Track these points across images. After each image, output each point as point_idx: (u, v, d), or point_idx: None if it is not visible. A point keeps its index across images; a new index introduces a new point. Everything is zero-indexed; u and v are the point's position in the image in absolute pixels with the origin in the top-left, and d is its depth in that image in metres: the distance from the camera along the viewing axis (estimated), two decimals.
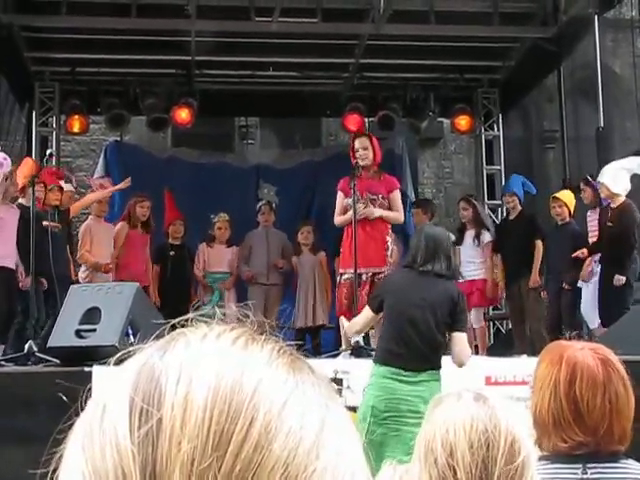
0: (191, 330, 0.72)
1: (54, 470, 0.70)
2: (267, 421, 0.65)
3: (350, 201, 7.99)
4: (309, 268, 10.48)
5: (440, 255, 5.73)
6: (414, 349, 5.61)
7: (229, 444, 0.64)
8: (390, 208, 8.22)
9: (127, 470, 0.64)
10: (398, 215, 8.33)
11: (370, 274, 7.96)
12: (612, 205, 9.05)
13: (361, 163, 8.13)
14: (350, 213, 7.97)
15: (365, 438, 5.31)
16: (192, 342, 0.71)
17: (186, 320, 0.75)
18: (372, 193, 8.09)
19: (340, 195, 8.28)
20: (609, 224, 9.00)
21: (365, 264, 7.93)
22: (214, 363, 0.68)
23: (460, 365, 5.69)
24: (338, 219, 8.31)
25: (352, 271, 7.89)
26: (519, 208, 10.17)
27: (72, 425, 0.71)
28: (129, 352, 0.72)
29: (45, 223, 8.56)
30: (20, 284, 8.47)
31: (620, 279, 8.76)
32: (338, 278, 8.33)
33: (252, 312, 0.78)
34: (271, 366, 0.69)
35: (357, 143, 8.32)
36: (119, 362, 0.73)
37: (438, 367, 5.70)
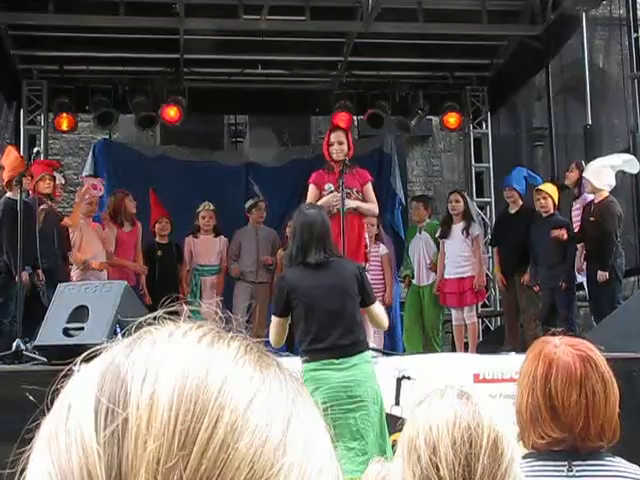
0: (157, 328, 0.72)
1: (22, 470, 0.70)
2: (233, 419, 0.65)
3: (326, 194, 7.95)
4: None
5: (313, 243, 5.73)
6: (339, 337, 5.61)
7: (195, 443, 0.64)
8: (365, 201, 8.17)
9: (93, 470, 0.64)
10: (372, 206, 8.22)
11: None
12: (595, 200, 9.11)
13: (335, 157, 8.04)
14: (323, 200, 7.90)
15: None
16: (158, 340, 0.70)
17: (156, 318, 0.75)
18: (346, 187, 8.02)
19: (312, 188, 8.16)
20: (591, 219, 9.06)
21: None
22: (180, 362, 0.67)
23: (383, 327, 6.03)
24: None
25: None
26: (520, 202, 10.17)
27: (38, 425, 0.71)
28: (96, 350, 0.72)
29: None
30: (17, 279, 8.37)
31: (603, 274, 8.80)
32: None
33: (224, 309, 0.78)
34: (237, 364, 0.69)
35: (333, 137, 8.22)
36: (87, 360, 0.73)
37: (366, 349, 5.78)
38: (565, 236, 9.25)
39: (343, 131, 8.57)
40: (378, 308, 5.98)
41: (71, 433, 0.66)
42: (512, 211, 10.29)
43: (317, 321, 5.65)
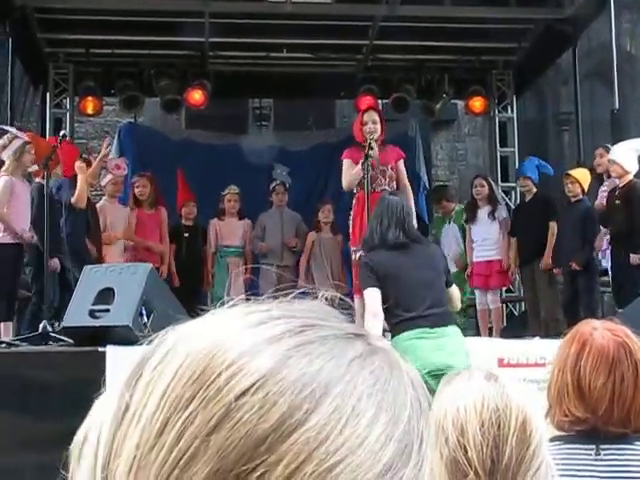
0: (212, 312, 0.71)
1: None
2: (212, 413, 0.63)
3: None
4: (329, 247, 10.46)
5: (392, 223, 5.81)
6: (430, 306, 5.63)
7: (169, 433, 0.63)
8: (397, 177, 8.26)
9: (98, 454, 0.66)
10: (409, 193, 8.26)
11: None
12: (619, 184, 9.06)
13: (370, 137, 8.07)
14: (359, 167, 7.94)
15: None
16: (198, 322, 0.70)
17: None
18: (382, 164, 8.12)
19: (347, 162, 8.21)
20: (617, 202, 9.00)
21: None
22: (198, 342, 0.66)
23: (457, 307, 6.06)
24: (347, 178, 8.18)
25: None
26: (534, 190, 10.16)
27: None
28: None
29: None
30: (51, 266, 8.40)
31: (636, 257, 8.73)
32: (353, 256, 8.32)
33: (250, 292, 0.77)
34: (264, 350, 0.65)
35: (366, 116, 8.32)
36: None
37: (456, 324, 5.83)
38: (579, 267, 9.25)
39: (376, 111, 8.67)
40: (457, 290, 6.09)
41: (100, 411, 0.69)
42: (526, 199, 10.32)
43: (407, 291, 5.64)
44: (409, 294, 5.66)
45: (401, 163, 8.39)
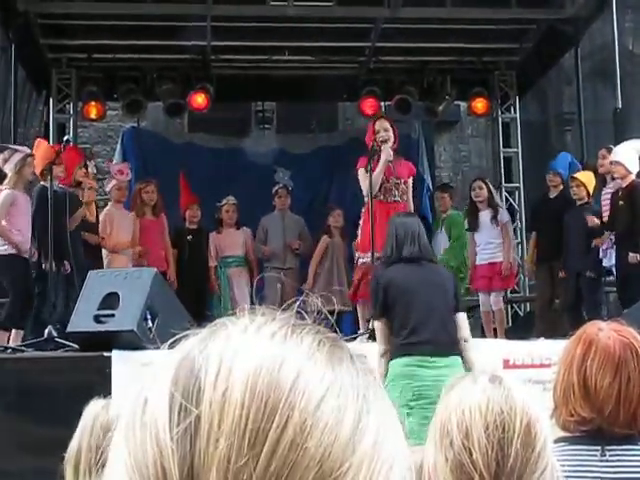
0: (232, 321, 0.73)
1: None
2: (302, 419, 0.66)
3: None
4: (338, 251, 10.48)
5: (408, 238, 5.82)
6: (435, 331, 5.59)
7: (265, 443, 0.65)
8: (407, 192, 8.32)
9: (167, 466, 0.65)
10: (410, 202, 8.41)
11: None
12: (622, 185, 9.06)
13: (381, 142, 8.14)
14: (380, 168, 8.03)
15: None
16: (232, 335, 0.71)
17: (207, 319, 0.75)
18: (396, 177, 8.16)
19: (362, 170, 8.16)
20: (620, 202, 9.00)
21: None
22: (252, 359, 0.68)
23: (467, 336, 5.78)
24: (365, 184, 8.10)
25: (371, 255, 7.90)
26: (561, 187, 10.15)
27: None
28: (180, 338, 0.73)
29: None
30: (43, 266, 8.47)
31: (634, 256, 8.74)
32: (356, 261, 8.34)
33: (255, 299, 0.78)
34: (309, 360, 0.69)
35: (378, 125, 8.40)
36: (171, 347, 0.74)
37: (459, 353, 5.70)
38: (596, 221, 9.21)
39: (387, 120, 8.76)
40: (465, 318, 5.92)
41: (146, 427, 0.68)
42: (552, 196, 10.27)
43: (414, 313, 5.63)
44: (415, 316, 5.65)
45: (411, 180, 8.49)
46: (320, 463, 0.65)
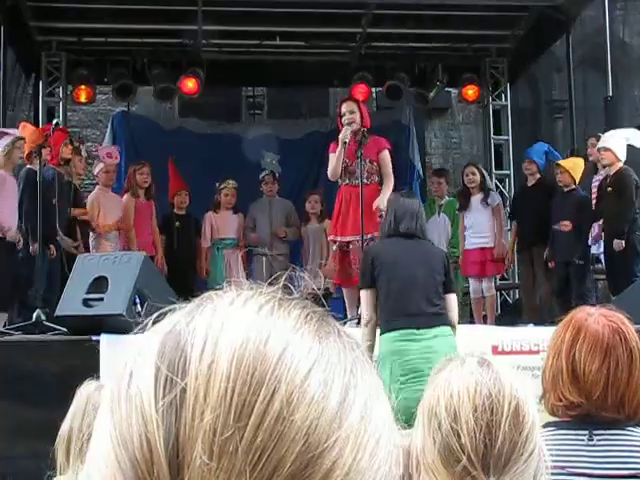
0: (219, 294, 0.72)
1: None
2: (289, 392, 0.65)
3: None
4: (314, 237, 10.46)
5: (407, 215, 5.83)
6: (419, 303, 5.60)
7: (251, 415, 0.64)
8: (380, 170, 8.10)
9: (151, 438, 0.65)
10: (387, 190, 7.91)
11: (359, 241, 7.78)
12: (610, 172, 9.08)
13: (347, 127, 7.98)
14: (338, 150, 7.97)
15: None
16: (219, 308, 0.71)
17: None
18: (361, 159, 7.94)
19: (332, 155, 8.12)
20: (608, 189, 9.03)
21: (355, 231, 7.86)
22: (239, 332, 0.68)
23: (455, 321, 5.76)
24: (330, 169, 8.13)
25: (339, 238, 7.98)
26: (537, 176, 10.14)
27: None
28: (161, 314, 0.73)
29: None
30: (30, 249, 8.45)
31: (619, 243, 8.76)
32: (333, 246, 8.36)
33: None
34: (296, 334, 0.69)
35: (343, 107, 8.22)
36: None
37: (449, 324, 5.68)
38: (568, 228, 9.24)
39: (354, 101, 8.59)
40: (454, 299, 5.86)
41: (132, 400, 0.67)
42: (529, 184, 10.27)
43: (398, 285, 5.63)
44: (396, 286, 5.65)
45: (384, 154, 8.14)
46: (306, 436, 0.65)
